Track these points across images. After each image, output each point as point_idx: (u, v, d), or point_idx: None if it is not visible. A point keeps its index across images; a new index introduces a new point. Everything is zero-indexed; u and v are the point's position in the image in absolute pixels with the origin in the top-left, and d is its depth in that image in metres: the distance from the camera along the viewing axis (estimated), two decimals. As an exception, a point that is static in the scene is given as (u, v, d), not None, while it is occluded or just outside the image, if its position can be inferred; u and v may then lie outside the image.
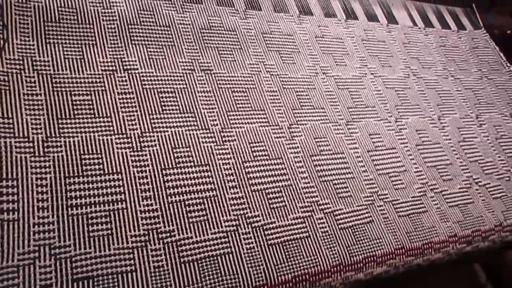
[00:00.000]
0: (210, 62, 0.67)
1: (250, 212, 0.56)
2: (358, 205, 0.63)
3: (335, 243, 0.58)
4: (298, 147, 0.65)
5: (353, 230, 0.60)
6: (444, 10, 1.08)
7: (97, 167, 0.51)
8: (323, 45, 0.81)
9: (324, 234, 0.58)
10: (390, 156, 0.72)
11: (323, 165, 0.65)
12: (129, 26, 0.64)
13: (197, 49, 0.67)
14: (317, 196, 0.61)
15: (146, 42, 0.64)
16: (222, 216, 0.54)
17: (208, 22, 0.71)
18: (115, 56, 0.60)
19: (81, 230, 0.46)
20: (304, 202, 0.60)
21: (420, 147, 0.76)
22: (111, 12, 0.64)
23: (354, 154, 0.69)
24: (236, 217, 0.55)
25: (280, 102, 0.68)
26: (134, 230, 0.49)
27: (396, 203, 0.66)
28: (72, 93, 0.55)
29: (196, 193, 0.54)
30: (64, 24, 0.60)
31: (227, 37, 0.71)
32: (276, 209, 0.57)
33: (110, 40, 0.62)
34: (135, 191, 0.51)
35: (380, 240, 0.61)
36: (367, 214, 0.63)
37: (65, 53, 0.58)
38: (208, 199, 0.55)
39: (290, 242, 0.56)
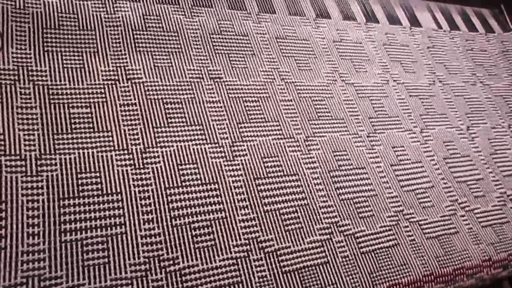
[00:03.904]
0: (220, 70, 0.62)
1: (263, 235, 0.51)
2: (382, 226, 0.57)
3: (356, 269, 0.52)
4: (315, 161, 0.59)
5: (376, 255, 0.55)
6: (470, 11, 1.02)
7: (94, 187, 0.47)
8: (341, 50, 0.75)
9: (344, 260, 0.53)
10: (416, 170, 0.66)
11: (342, 181, 0.59)
12: (134, 32, 0.60)
13: (206, 55, 0.63)
14: (336, 217, 0.56)
15: (152, 49, 0.59)
16: (232, 241, 0.49)
17: (219, 27, 0.67)
18: (117, 65, 0.56)
19: (75, 259, 0.42)
20: (322, 224, 0.54)
21: (448, 160, 0.70)
22: (115, 18, 0.60)
23: (377, 169, 0.63)
24: (247, 242, 0.50)
25: (296, 113, 0.63)
26: (134, 258, 0.44)
27: (424, 223, 0.60)
28: (70, 105, 0.51)
29: (203, 215, 0.49)
30: (64, 31, 0.56)
31: (238, 43, 0.67)
32: (291, 232, 0.52)
33: (112, 47, 0.57)
34: (135, 214, 0.47)
35: (407, 266, 0.55)
36: (392, 236, 0.57)
37: (64, 62, 0.54)
38: (216, 221, 0.50)
39: (306, 269, 0.50)
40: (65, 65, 0.53)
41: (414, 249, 0.57)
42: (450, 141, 0.72)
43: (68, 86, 0.52)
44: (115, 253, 0.44)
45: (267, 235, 0.51)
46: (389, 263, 0.55)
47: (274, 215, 0.53)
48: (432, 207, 0.62)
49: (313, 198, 0.56)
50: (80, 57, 0.55)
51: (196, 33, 0.64)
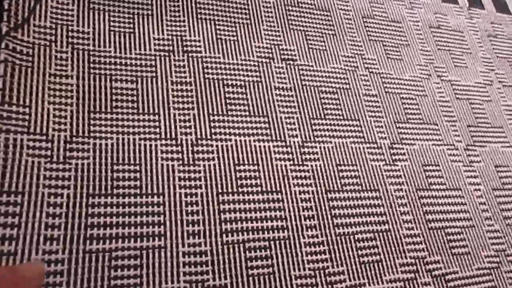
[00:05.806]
0: (293, 50, 0.51)
1: (332, 266, 0.40)
2: (479, 268, 0.45)
3: (445, 323, 0.41)
4: (400, 176, 0.48)
5: (470, 305, 0.43)
6: None
7: (132, 183, 0.37)
8: (438, 39, 0.62)
9: (430, 308, 0.41)
10: (523, 199, 0.53)
11: (432, 204, 0.47)
12: (196, -5, 0.49)
13: (278, 30, 0.51)
14: (423, 250, 0.44)
15: (215, 17, 0.49)
16: (293, 270, 0.39)
17: (296, -3, 0.55)
18: (173, 33, 0.46)
19: (100, 275, 0.33)
20: (405, 258, 0.43)
21: (563, 189, 0.56)
22: (175, -25, 0.50)
23: (475, 193, 0.50)
24: (312, 273, 0.39)
25: (381, 111, 0.51)
26: (172, 281, 0.35)
27: (532, 270, 0.48)
28: (113, 78, 0.41)
29: (263, 233, 0.39)
30: (115, -14, 0.46)
31: (317, 18, 0.55)
32: (367, 265, 0.41)
33: (170, 11, 0.47)
34: (179, 223, 0.37)
35: (509, 325, 0.43)
36: (491, 283, 0.45)
37: (112, 24, 0.44)
38: (277, 242, 0.39)
39: (383, 316, 0.40)
40: (112, 28, 0.44)
41: (518, 302, 0.45)
42: None
43: (113, 53, 0.43)
44: (150, 272, 0.34)
45: (336, 267, 0.40)
46: (486, 318, 0.43)
47: (347, 241, 0.42)
48: (542, 249, 0.49)
49: (395, 223, 0.45)
50: (131, 20, 0.45)
51: (269, 2, 0.53)
